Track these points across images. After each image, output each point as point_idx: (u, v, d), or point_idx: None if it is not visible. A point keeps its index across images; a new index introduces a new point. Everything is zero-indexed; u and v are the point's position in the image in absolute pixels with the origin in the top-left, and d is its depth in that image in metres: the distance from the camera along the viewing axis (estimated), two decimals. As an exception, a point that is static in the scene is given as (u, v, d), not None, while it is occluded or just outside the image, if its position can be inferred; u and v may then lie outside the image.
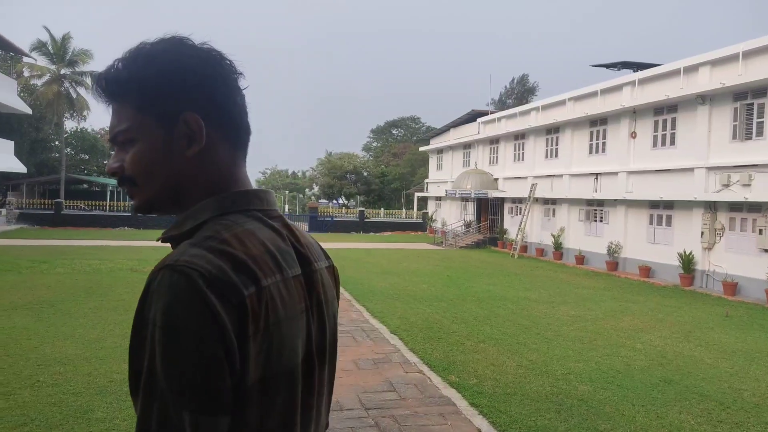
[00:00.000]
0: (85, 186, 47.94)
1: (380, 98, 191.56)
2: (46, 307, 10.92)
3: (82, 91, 41.03)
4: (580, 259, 23.35)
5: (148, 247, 24.28)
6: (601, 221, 23.10)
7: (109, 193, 46.57)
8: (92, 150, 49.48)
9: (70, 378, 6.93)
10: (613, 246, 21.63)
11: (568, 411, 6.52)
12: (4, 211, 34.55)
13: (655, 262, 19.82)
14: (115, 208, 38.48)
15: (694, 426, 6.23)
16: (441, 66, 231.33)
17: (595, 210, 23.53)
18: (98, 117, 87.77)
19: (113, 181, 48.95)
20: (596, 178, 23.28)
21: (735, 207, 17.04)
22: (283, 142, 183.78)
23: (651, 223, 20.46)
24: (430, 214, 41.59)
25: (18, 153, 35.01)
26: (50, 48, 39.42)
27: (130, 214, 36.41)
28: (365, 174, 60.30)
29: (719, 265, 17.29)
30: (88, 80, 41.25)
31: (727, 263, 17.07)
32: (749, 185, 16.23)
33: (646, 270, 19.76)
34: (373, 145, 77.80)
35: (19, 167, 33.15)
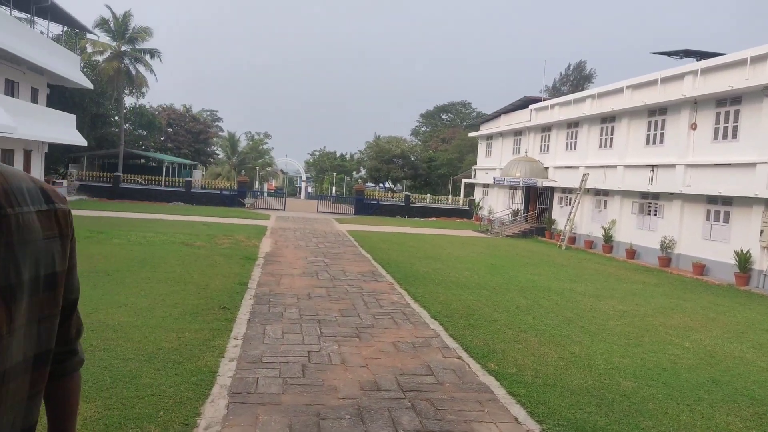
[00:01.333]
0: (142, 161, 49.51)
1: (432, 82, 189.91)
2: (101, 276, 11.40)
3: (141, 68, 42.26)
4: (631, 253, 22.71)
5: (201, 222, 24.98)
6: (655, 215, 22.36)
7: (164, 168, 47.97)
8: (150, 126, 50.92)
9: (121, 344, 7.24)
10: (667, 241, 20.93)
11: (610, 406, 6.39)
12: (65, 182, 36.13)
13: (710, 259, 19.09)
14: (171, 183, 39.65)
15: (741, 429, 6.02)
16: (495, 51, 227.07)
17: (649, 203, 22.78)
18: (156, 94, 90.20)
19: (170, 157, 50.63)
20: (652, 170, 22.50)
21: (800, 205, 16.20)
22: (333, 123, 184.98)
23: (707, 218, 19.68)
24: (476, 201, 41.18)
25: (79, 127, 36.44)
26: (112, 25, 40.64)
27: (184, 190, 37.46)
28: (413, 158, 60.10)
29: (779, 266, 16.51)
30: (148, 57, 42.44)
31: (788, 264, 16.28)
32: (817, 183, 15.38)
33: (700, 267, 19.06)
34: (422, 129, 77.37)
35: (81, 140, 34.54)
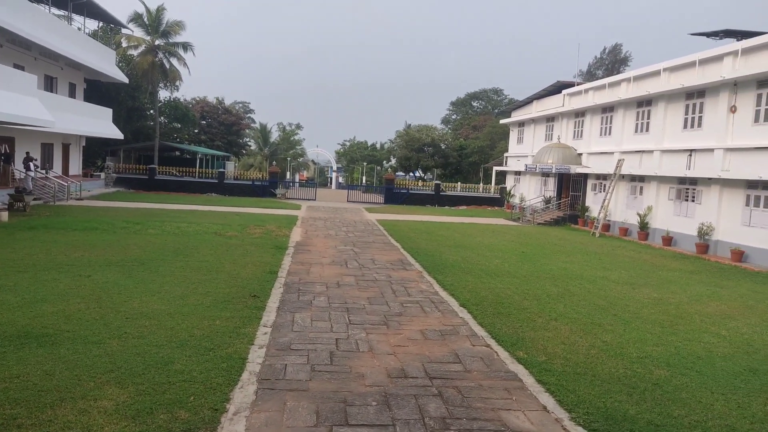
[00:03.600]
0: (176, 153, 50.39)
1: (464, 69, 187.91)
2: (136, 265, 11.68)
3: (174, 61, 42.88)
4: (668, 240, 22.17)
5: (233, 212, 25.33)
6: (693, 201, 21.75)
7: (198, 160, 48.76)
8: (184, 119, 51.70)
9: (154, 331, 7.41)
10: (705, 227, 20.35)
11: (641, 395, 6.27)
12: (103, 174, 37.06)
13: (750, 246, 18.49)
14: (204, 174, 40.30)
15: (780, 420, 5.83)
16: (529, 36, 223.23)
17: (687, 189, 22.17)
18: (189, 87, 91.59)
19: (204, 149, 51.38)
20: (690, 155, 21.87)
21: None
22: (364, 113, 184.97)
23: (747, 204, 19.05)
24: (508, 189, 40.72)
25: (116, 120, 37.28)
26: (145, 19, 41.32)
27: (217, 181, 38.03)
28: (443, 147, 59.68)
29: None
30: (181, 51, 43.05)
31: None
32: None
33: (739, 254, 18.49)
34: (453, 117, 76.72)
35: (117, 134, 35.34)
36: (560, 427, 5.41)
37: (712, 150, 20.54)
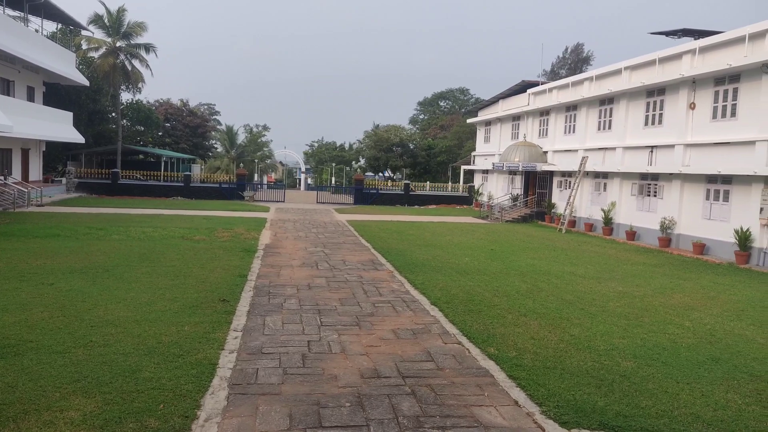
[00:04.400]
0: (140, 156, 49.46)
1: (429, 70, 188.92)
2: (100, 272, 11.42)
3: (136, 63, 42.03)
4: (631, 234, 22.69)
5: (200, 216, 24.97)
6: (655, 196, 22.31)
7: (163, 164, 47.89)
8: (147, 121, 50.70)
9: (120, 339, 7.26)
10: (667, 222, 20.89)
11: (609, 386, 6.41)
12: (64, 179, 36.09)
13: (710, 238, 19.06)
14: (169, 178, 39.60)
15: (741, 406, 6.03)
16: (492, 37, 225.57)
17: (649, 184, 22.72)
18: (152, 90, 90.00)
19: (169, 152, 50.47)
20: (651, 152, 22.43)
21: (800, 182, 16.14)
22: (331, 114, 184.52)
23: (707, 198, 19.63)
24: (476, 187, 41.10)
25: (77, 124, 36.36)
26: (106, 21, 40.39)
27: (183, 185, 37.42)
28: (411, 146, 59.92)
29: (780, 243, 16.47)
30: (143, 52, 42.21)
31: (788, 241, 16.25)
32: (817, 159, 15.31)
33: (701, 247, 19.04)
34: (420, 117, 77.10)
35: (78, 137, 34.46)
36: (531, 421, 5.49)
37: (672, 146, 21.10)
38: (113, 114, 45.82)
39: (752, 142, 17.44)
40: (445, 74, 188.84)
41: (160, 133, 56.83)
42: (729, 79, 18.85)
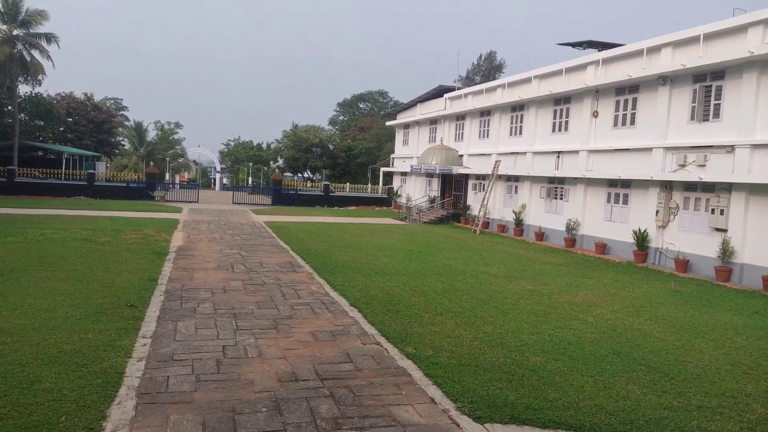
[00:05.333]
0: (40, 153, 46.31)
1: (348, 71, 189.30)
2: (-7, 277, 10.56)
3: (36, 54, 39.24)
4: (540, 235, 23.76)
5: (105, 217, 23.69)
6: (561, 199, 23.49)
7: (65, 161, 45.03)
8: (48, 116, 47.36)
9: (17, 348, 6.75)
10: (572, 223, 22.06)
11: (520, 381, 6.67)
12: (-49, 177, 33.14)
13: (611, 239, 20.31)
14: (72, 176, 37.28)
15: (639, 396, 6.46)
16: (411, 41, 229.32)
17: (556, 188, 23.89)
18: (55, 82, 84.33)
19: (71, 149, 47.52)
20: (558, 156, 23.60)
21: (690, 187, 17.52)
22: (248, 112, 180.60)
23: (608, 201, 20.91)
24: (395, 189, 41.60)
25: (-34, 117, 33.46)
26: (1, 7, 37.49)
27: (86, 183, 35.33)
28: (331, 147, 59.77)
29: (672, 243, 17.82)
30: (44, 42, 39.40)
31: (679, 241, 17.60)
32: (704, 166, 16.68)
33: (602, 247, 20.25)
34: (340, 118, 77.09)
35: (-32, 132, 31.71)
36: (447, 417, 5.62)
37: (577, 152, 22.31)
38: (9, 107, 42.48)
39: (649, 149, 18.75)
40: (364, 76, 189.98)
41: (61, 129, 53.38)
42: (629, 90, 20.17)
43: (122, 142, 61.44)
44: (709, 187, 16.79)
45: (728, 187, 16.08)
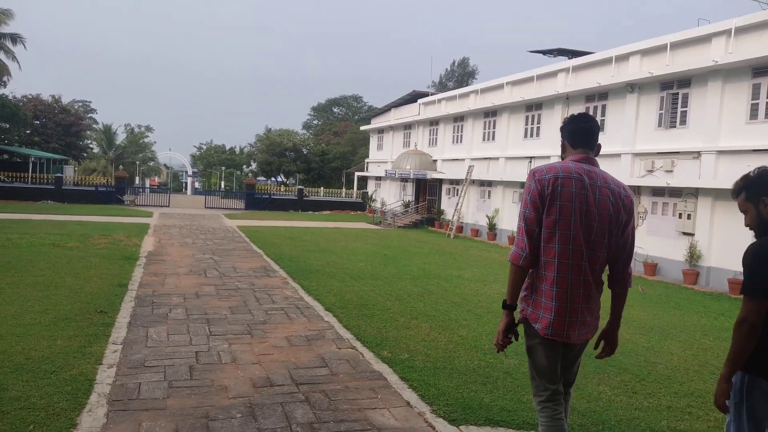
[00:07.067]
0: (5, 156, 45.09)
1: (322, 75, 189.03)
2: (-44, 283, 10.25)
3: (2, 55, 38.29)
4: (512, 240, 23.96)
5: (74, 221, 23.19)
6: (534, 203, 23.77)
7: (31, 164, 43.98)
8: (13, 118, 46.15)
9: (-19, 356, 6.55)
10: (545, 227, 22.34)
11: (494, 383, 6.73)
12: None
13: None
14: (38, 180, 36.43)
15: (611, 396, 6.57)
16: (385, 45, 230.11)
17: (529, 192, 24.18)
18: (20, 84, 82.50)
19: (37, 152, 46.43)
20: (530, 162, 23.91)
21: (657, 192, 17.94)
22: (220, 116, 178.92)
23: (580, 206, 21.23)
24: (369, 194, 41.63)
25: (-73, 119, 32.46)
26: (-37, 6, 36.57)
27: (54, 187, 34.56)
28: (305, 152, 59.54)
29: (641, 247, 18.18)
30: (9, 43, 38.47)
31: (648, 245, 17.97)
32: (671, 171, 17.10)
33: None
34: (314, 122, 76.90)
35: (-71, 134, 30.77)
36: (423, 421, 5.63)
37: (549, 157, 22.64)
38: (-28, 109, 41.37)
39: (618, 155, 19.14)
40: (338, 80, 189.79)
41: (28, 132, 52.10)
42: (598, 97, 20.58)
43: (91, 146, 60.25)
44: (676, 192, 17.21)
45: (695, 192, 16.50)
